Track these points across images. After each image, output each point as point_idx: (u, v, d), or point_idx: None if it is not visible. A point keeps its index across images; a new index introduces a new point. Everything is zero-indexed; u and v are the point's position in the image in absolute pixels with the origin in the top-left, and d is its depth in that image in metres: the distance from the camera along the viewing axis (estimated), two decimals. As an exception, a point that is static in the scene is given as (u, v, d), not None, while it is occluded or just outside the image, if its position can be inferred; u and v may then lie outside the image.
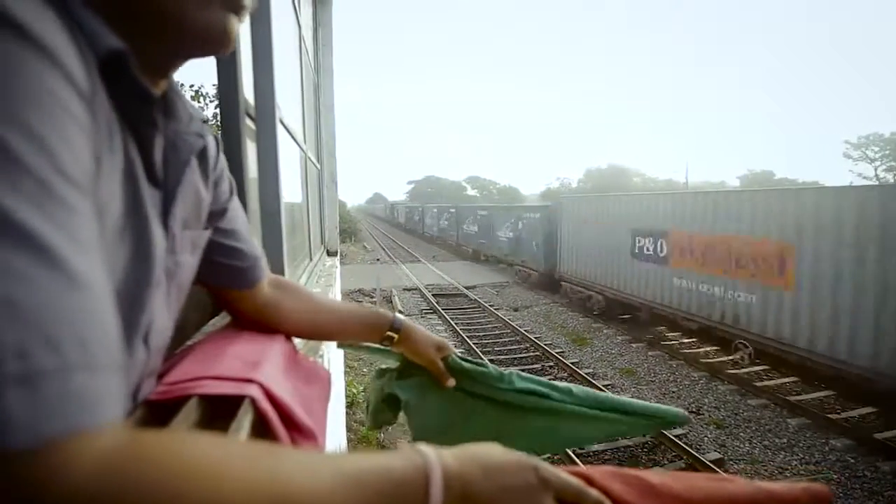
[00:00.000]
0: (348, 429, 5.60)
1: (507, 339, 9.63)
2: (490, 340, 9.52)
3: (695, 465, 5.06)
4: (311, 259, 2.13)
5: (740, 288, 7.64)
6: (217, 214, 0.62)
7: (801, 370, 6.95)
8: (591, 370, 7.98)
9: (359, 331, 0.82)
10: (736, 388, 7.08)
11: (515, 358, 8.50)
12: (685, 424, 0.99)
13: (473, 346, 8.81)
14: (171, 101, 0.50)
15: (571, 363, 8.08)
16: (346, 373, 6.44)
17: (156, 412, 0.48)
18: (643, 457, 5.41)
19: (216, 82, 1.01)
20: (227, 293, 0.70)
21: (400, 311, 11.22)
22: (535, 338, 9.48)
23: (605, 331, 10.26)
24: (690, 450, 5.27)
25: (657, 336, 9.56)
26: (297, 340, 0.79)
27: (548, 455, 5.36)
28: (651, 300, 9.74)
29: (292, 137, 1.58)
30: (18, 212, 0.23)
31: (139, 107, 0.40)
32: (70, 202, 0.26)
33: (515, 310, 12.39)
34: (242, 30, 1.00)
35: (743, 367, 7.64)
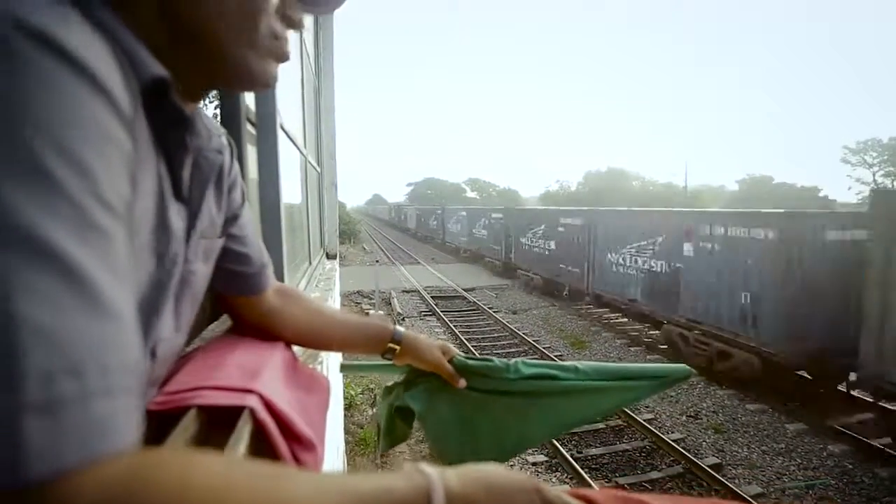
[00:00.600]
0: (346, 431, 5.59)
1: (505, 342, 9.63)
2: (489, 343, 9.52)
3: (693, 470, 5.06)
4: (310, 263, 2.13)
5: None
6: (230, 221, 0.62)
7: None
8: (590, 374, 7.97)
9: (360, 342, 0.82)
10: (734, 393, 7.08)
11: (514, 361, 8.49)
12: (689, 378, 1.05)
13: (472, 348, 8.81)
14: (195, 120, 0.50)
15: (570, 366, 8.07)
16: (344, 375, 6.44)
17: (154, 422, 0.48)
18: (641, 461, 5.40)
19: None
20: (233, 299, 0.70)
21: (399, 313, 11.23)
22: (534, 341, 9.48)
23: (603, 334, 10.26)
24: (688, 454, 5.26)
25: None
26: (296, 347, 0.79)
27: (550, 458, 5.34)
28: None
29: (292, 142, 1.58)
30: (54, 236, 0.24)
31: (175, 130, 0.42)
32: (105, 227, 0.27)
33: (514, 313, 12.38)
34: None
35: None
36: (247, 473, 0.30)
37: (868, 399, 5.99)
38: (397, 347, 0.82)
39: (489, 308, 12.31)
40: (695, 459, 5.17)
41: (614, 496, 0.45)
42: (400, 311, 12.00)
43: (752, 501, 4.39)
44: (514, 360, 0.89)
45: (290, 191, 1.55)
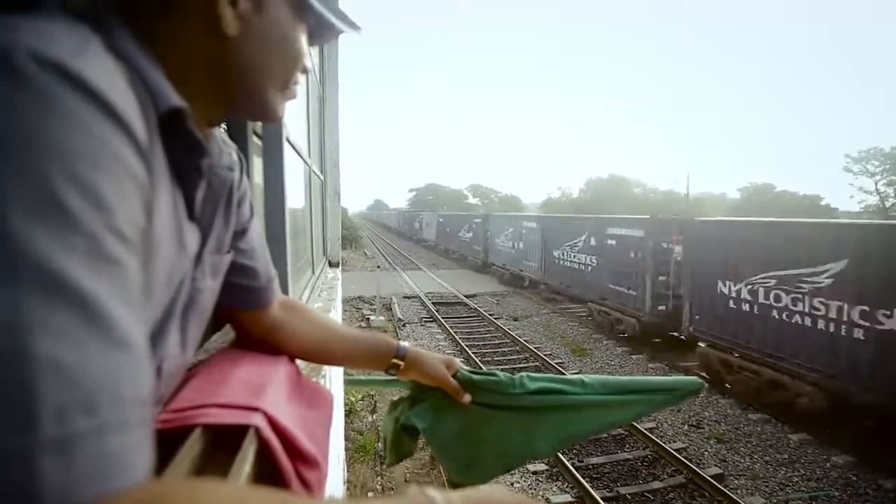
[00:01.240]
0: (346, 438, 5.56)
1: (507, 349, 9.59)
2: (490, 350, 9.49)
3: (695, 480, 5.02)
4: (313, 272, 2.13)
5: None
6: (238, 234, 0.62)
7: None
8: (591, 382, 7.93)
9: (365, 357, 0.82)
10: (736, 402, 7.03)
11: (515, 368, 8.46)
12: (701, 392, 1.02)
13: (473, 355, 8.78)
14: (210, 143, 0.52)
15: (571, 374, 8.02)
16: (345, 381, 6.41)
17: (159, 441, 0.48)
18: (643, 471, 5.36)
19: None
20: (238, 312, 0.70)
21: (400, 319, 11.20)
22: (535, 348, 9.45)
23: (604, 342, 10.22)
24: (691, 464, 5.22)
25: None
26: (300, 360, 0.79)
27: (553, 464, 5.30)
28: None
29: (297, 153, 1.59)
30: (68, 269, 0.24)
31: (190, 156, 0.42)
32: (119, 258, 0.27)
33: (515, 319, 12.35)
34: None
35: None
36: (259, 500, 0.30)
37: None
38: (401, 363, 0.81)
39: (490, 315, 12.29)
40: (697, 469, 5.13)
41: None
42: (401, 317, 11.98)
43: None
44: (518, 374, 0.88)
45: (295, 201, 1.56)
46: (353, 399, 6.61)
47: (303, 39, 0.52)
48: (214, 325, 0.88)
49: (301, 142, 1.80)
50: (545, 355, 8.98)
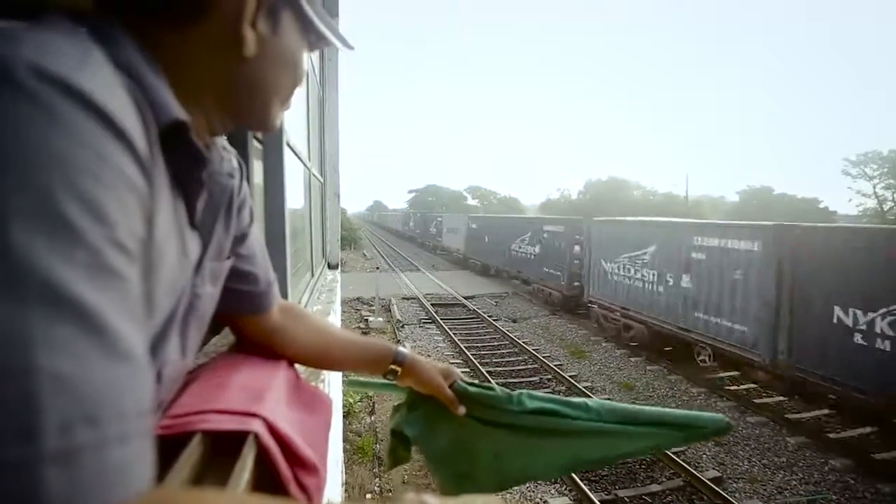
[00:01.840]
0: (344, 439, 5.55)
1: (505, 351, 9.59)
2: (488, 352, 9.49)
3: (693, 483, 5.02)
4: (312, 274, 2.13)
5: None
6: (238, 240, 0.63)
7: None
8: (590, 383, 7.94)
9: (363, 362, 0.82)
10: (735, 405, 7.04)
11: (513, 370, 8.47)
12: (727, 432, 0.83)
13: (472, 357, 8.78)
14: (211, 152, 0.52)
15: (570, 376, 8.04)
16: (343, 382, 6.41)
17: (159, 447, 0.48)
18: (641, 473, 5.36)
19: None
20: (238, 318, 0.70)
21: (399, 321, 11.19)
22: (534, 350, 9.45)
23: (603, 344, 10.23)
24: (689, 467, 5.23)
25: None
26: (298, 365, 0.79)
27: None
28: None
29: (297, 156, 1.59)
30: (71, 282, 0.24)
31: (192, 167, 0.43)
32: (120, 270, 0.27)
33: (514, 321, 12.35)
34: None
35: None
36: None
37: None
38: (399, 369, 0.81)
39: (489, 316, 12.29)
40: (695, 472, 5.13)
41: None
42: (400, 318, 11.97)
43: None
44: (518, 391, 0.84)
45: (294, 204, 1.56)
46: (351, 400, 6.60)
47: (305, 57, 0.53)
48: (213, 329, 0.88)
49: (301, 144, 1.81)
50: (544, 357, 8.98)
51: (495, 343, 10.14)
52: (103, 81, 0.30)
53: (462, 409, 0.83)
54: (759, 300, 6.89)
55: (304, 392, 0.73)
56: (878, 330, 5.45)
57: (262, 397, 0.57)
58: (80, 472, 0.22)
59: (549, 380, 8.09)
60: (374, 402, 6.97)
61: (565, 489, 5.05)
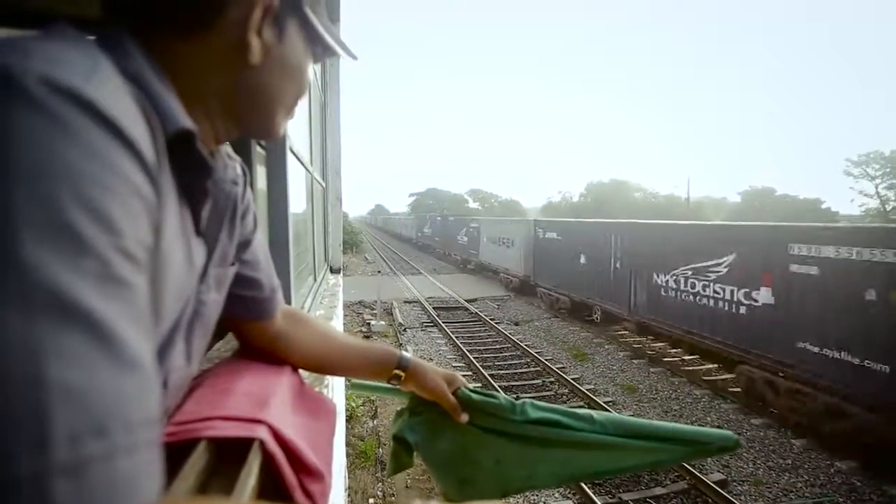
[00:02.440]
0: (347, 443, 5.54)
1: (507, 354, 9.57)
2: (491, 355, 9.47)
3: (698, 486, 4.99)
4: (315, 279, 2.13)
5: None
6: (242, 246, 0.63)
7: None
8: (593, 386, 7.92)
9: (366, 368, 0.82)
10: (739, 407, 7.00)
11: (516, 373, 8.45)
12: (735, 450, 0.87)
13: (474, 360, 8.76)
14: (217, 161, 0.52)
15: (572, 379, 8.02)
16: (346, 386, 6.41)
17: (165, 454, 0.48)
18: (645, 476, 5.33)
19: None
20: (241, 323, 0.70)
21: (401, 324, 11.17)
22: (536, 352, 9.42)
23: (606, 346, 10.20)
24: (693, 470, 5.19)
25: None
26: (302, 370, 0.79)
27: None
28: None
29: (300, 162, 1.60)
30: (79, 292, 0.24)
31: (198, 175, 0.43)
32: (128, 279, 0.27)
33: (516, 324, 12.34)
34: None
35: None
36: None
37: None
38: (402, 374, 0.81)
39: (491, 319, 12.27)
40: (700, 475, 5.10)
41: None
42: (402, 321, 11.97)
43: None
44: (521, 400, 0.84)
45: (297, 209, 1.56)
46: (353, 404, 6.59)
47: (310, 66, 0.53)
48: (217, 334, 0.88)
49: (303, 149, 1.81)
50: (546, 360, 8.96)
51: (497, 346, 10.12)
52: (111, 91, 0.30)
53: (465, 417, 0.82)
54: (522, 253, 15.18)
55: (308, 397, 0.73)
56: (556, 258, 13.52)
57: (266, 403, 0.57)
58: (88, 484, 0.22)
59: (551, 382, 8.06)
60: (376, 406, 6.95)
61: (569, 492, 5.02)
